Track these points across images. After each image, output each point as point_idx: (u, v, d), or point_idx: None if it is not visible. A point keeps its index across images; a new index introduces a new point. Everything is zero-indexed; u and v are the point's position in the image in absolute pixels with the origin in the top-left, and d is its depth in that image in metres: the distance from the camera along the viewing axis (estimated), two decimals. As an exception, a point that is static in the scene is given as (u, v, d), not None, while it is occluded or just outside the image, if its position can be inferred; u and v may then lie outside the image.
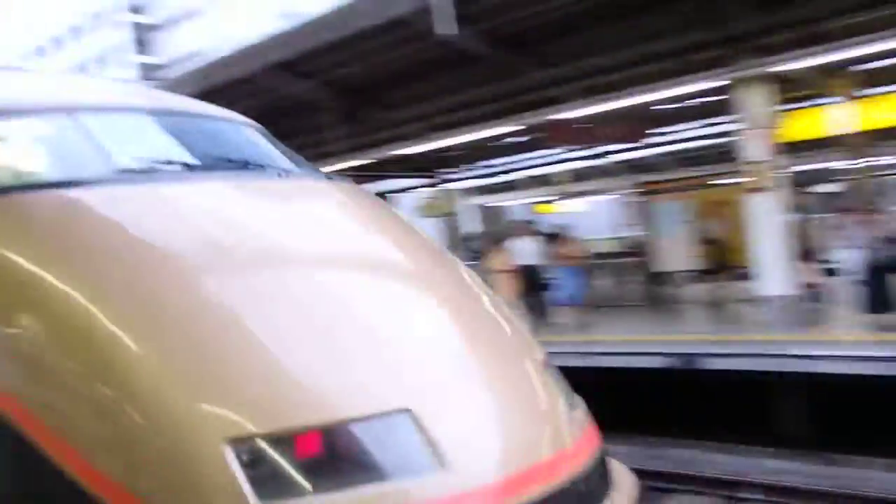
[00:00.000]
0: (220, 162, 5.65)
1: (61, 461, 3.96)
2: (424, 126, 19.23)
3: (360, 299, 4.67)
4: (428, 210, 27.50)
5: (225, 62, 19.10)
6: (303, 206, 5.50)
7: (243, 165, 5.72)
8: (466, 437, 4.17)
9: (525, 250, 17.98)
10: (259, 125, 6.90)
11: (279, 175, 5.77)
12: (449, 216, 27.68)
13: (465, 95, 17.96)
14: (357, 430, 3.96)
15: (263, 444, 3.83)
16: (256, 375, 4.01)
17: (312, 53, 17.07)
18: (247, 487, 3.73)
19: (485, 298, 5.51)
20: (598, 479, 4.81)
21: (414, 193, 28.47)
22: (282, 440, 3.83)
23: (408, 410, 4.07)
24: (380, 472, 3.91)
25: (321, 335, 4.33)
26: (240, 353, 4.08)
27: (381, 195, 23.52)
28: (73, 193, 4.71)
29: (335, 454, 3.91)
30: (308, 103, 19.42)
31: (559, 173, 27.27)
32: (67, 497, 3.91)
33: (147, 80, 63.69)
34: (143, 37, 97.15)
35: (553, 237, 18.69)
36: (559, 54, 16.31)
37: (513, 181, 29.66)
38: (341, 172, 21.09)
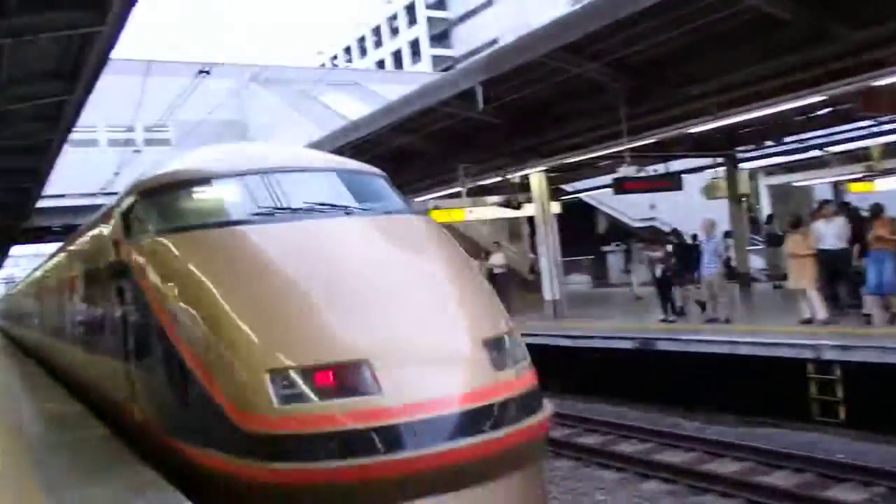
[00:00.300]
0: (333, 205, 9.14)
1: (198, 375, 7.61)
2: (718, 101, 18.35)
3: (369, 290, 7.83)
4: (713, 191, 26.11)
5: (513, 48, 18.98)
6: (366, 234, 8.80)
7: (347, 208, 9.14)
8: (399, 376, 7.18)
9: (828, 233, 16.86)
10: (384, 174, 10.59)
11: (364, 213, 9.16)
12: (740, 197, 26.25)
13: (765, 66, 16.93)
14: (341, 369, 7.18)
15: (291, 373, 7.16)
16: (295, 334, 7.44)
17: (599, 34, 16.64)
18: (276, 398, 7.07)
19: (469, 289, 8.50)
20: (517, 406, 7.70)
21: (703, 174, 27.29)
22: (299, 371, 7.16)
23: (367, 360, 7.20)
24: (351, 392, 7.11)
25: (336, 312, 7.57)
26: (286, 320, 7.53)
27: (671, 175, 22.67)
28: (227, 230, 8.62)
29: (329, 381, 7.14)
30: (594, 84, 19.00)
31: (875, 147, 25.31)
32: (200, 396, 7.48)
33: (442, 70, 64.76)
34: (440, 30, 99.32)
35: (865, 218, 17.43)
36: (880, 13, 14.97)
37: (816, 157, 27.92)
38: (633, 152, 20.53)
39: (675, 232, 25.45)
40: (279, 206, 8.95)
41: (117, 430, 10.17)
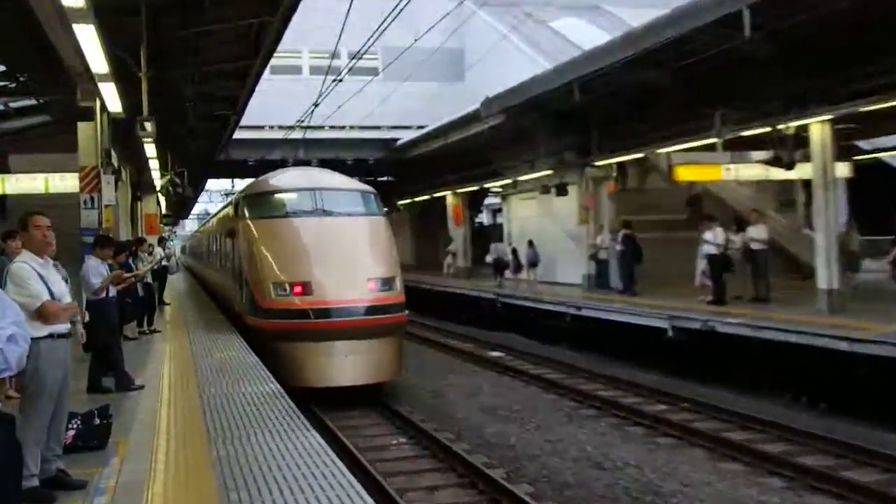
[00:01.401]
0: (338, 210, 18.84)
1: (250, 286, 18.24)
2: None
3: (333, 252, 17.64)
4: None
5: None
6: (348, 225, 18.47)
7: (346, 212, 18.85)
8: (323, 288, 16.99)
9: None
10: (374, 192, 19.96)
11: (349, 215, 18.74)
12: None
13: None
14: (303, 285, 17.11)
15: (283, 283, 17.29)
16: (289, 267, 17.50)
17: None
18: (273, 294, 17.29)
19: (379, 256, 17.89)
20: (382, 308, 17.04)
21: None
22: (283, 283, 17.27)
23: (310, 281, 17.14)
24: (306, 294, 17.01)
25: (308, 261, 17.50)
26: (286, 262, 17.64)
27: None
28: (283, 219, 18.76)
29: (296, 289, 17.13)
30: None
31: None
32: (253, 302, 17.86)
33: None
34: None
35: None
36: None
37: None
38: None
39: None
40: (309, 209, 18.79)
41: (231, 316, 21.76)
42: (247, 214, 19.36)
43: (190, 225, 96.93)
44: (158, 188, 31.89)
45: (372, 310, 16.93)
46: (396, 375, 17.84)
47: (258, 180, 22.11)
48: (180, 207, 59.14)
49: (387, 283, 17.35)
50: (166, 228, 58.76)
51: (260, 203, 19.55)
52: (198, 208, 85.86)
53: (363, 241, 18.18)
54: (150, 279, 19.86)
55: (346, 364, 16.79)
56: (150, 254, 21.87)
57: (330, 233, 18.12)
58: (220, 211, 31.78)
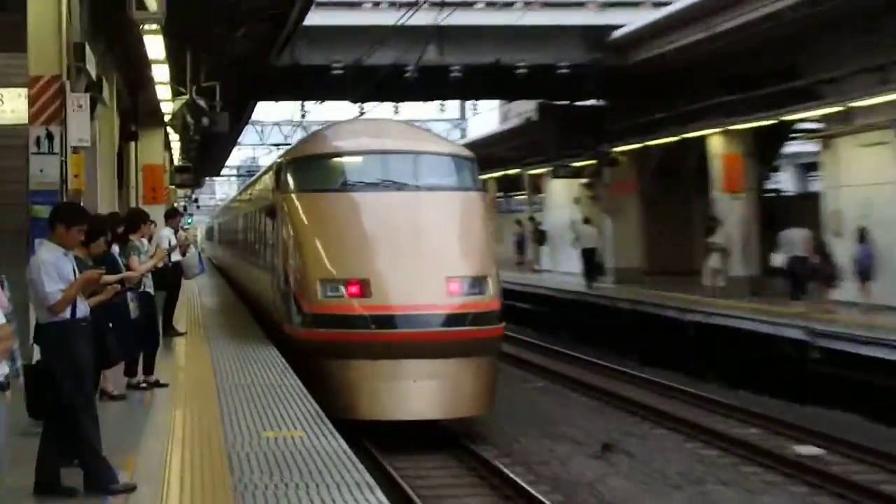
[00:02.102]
0: (416, 182, 14.88)
1: (293, 286, 14.36)
2: None
3: (400, 234, 13.98)
4: None
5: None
6: (418, 204, 14.48)
7: (427, 185, 14.88)
8: (387, 289, 13.32)
9: None
10: (469, 154, 16.02)
11: (430, 190, 14.82)
12: None
13: None
14: (361, 282, 13.48)
15: (334, 280, 13.62)
16: (344, 259, 13.86)
17: None
18: (320, 295, 13.60)
19: (464, 247, 14.16)
20: (463, 317, 13.33)
21: None
22: (335, 280, 13.60)
23: (369, 279, 13.43)
24: (366, 296, 13.35)
25: (370, 246, 13.90)
26: (340, 252, 13.97)
27: None
28: (338, 194, 14.87)
29: (351, 289, 13.51)
30: None
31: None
32: (288, 294, 14.46)
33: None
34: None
35: None
36: None
37: None
38: None
39: None
40: (375, 180, 14.98)
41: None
42: (290, 186, 15.39)
43: (225, 189, 75.79)
44: (169, 118, 21.90)
45: (454, 319, 13.38)
46: (485, 410, 14.12)
47: (307, 138, 19.01)
48: (207, 156, 42.00)
49: (476, 283, 13.73)
50: (181, 195, 43.09)
51: (308, 171, 15.57)
52: (238, 156, 61.10)
53: (447, 226, 14.46)
54: (149, 286, 11.48)
55: (416, 391, 13.27)
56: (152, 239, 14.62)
57: (402, 213, 14.34)
58: (256, 179, 24.39)
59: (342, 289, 13.50)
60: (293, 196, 15.11)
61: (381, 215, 14.32)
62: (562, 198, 35.07)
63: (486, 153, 30.55)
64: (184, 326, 17.17)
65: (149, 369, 11.65)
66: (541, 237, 36.19)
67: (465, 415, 13.89)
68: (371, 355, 13.14)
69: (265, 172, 20.62)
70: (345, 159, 15.62)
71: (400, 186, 14.75)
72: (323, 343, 13.49)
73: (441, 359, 13.22)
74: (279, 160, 17.10)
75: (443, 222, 14.42)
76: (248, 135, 49.45)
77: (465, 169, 15.43)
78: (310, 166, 15.67)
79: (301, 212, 14.74)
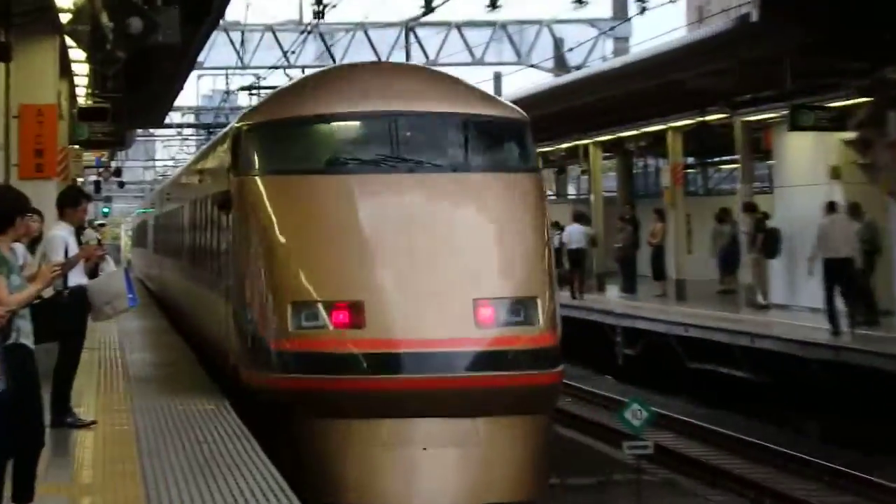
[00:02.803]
0: (433, 160, 11.06)
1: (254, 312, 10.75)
2: None
3: (405, 238, 10.25)
4: None
5: None
6: (432, 193, 10.71)
7: (450, 164, 11.11)
8: (383, 317, 9.81)
9: None
10: (523, 118, 11.71)
11: (455, 171, 11.00)
12: None
13: None
14: (350, 308, 9.91)
15: (312, 303, 10.00)
16: (326, 274, 10.24)
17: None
18: (292, 324, 9.98)
19: (498, 257, 10.46)
20: (508, 361, 9.84)
21: None
22: (312, 303, 10.02)
23: (363, 301, 9.85)
24: (359, 326, 9.83)
25: (364, 256, 10.17)
26: (321, 264, 10.33)
27: None
28: (320, 178, 10.99)
29: (338, 316, 9.92)
30: None
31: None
32: (256, 341, 10.53)
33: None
34: None
35: None
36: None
37: None
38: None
39: None
40: (374, 157, 10.97)
41: None
42: (250, 166, 11.37)
43: (172, 153, 48.55)
44: (69, 18, 13.91)
45: (487, 360, 9.81)
46: (531, 495, 10.02)
47: (279, 93, 13.26)
48: (140, 92, 23.77)
49: (520, 308, 10.12)
50: (91, 163, 28.86)
51: (277, 143, 11.47)
52: (200, 91, 46.58)
53: (480, 226, 10.66)
54: (25, 333, 6.80)
55: (430, 464, 9.68)
56: (35, 246, 10.47)
57: (413, 207, 10.56)
58: (206, 151, 17.93)
59: (324, 315, 9.98)
60: (256, 180, 11.21)
61: (383, 209, 10.57)
62: (808, 167, 21.48)
63: (662, 82, 21.60)
64: (92, 409, 10.91)
65: (23, 494, 6.81)
66: (770, 243, 21.05)
67: (502, 500, 9.78)
68: (366, 412, 9.66)
69: (217, 144, 14.87)
70: (333, 126, 11.51)
71: (412, 167, 10.87)
72: (296, 393, 9.85)
73: (467, 418, 9.70)
74: (236, 126, 12.34)
75: (473, 220, 10.72)
76: (216, 51, 31.53)
77: (512, 139, 11.62)
78: (279, 136, 11.55)
79: (267, 203, 10.94)
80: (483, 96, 12.44)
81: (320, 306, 10.00)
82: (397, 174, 10.78)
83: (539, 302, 10.22)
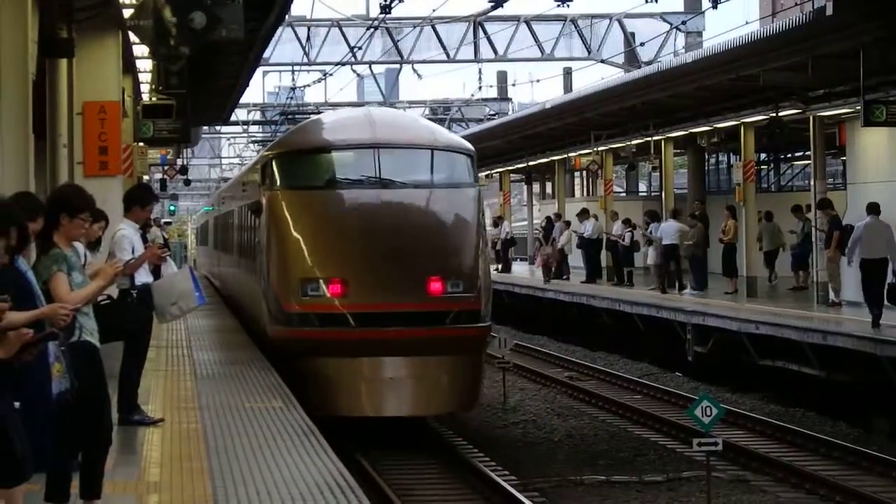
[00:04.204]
0: (404, 178, 15.17)
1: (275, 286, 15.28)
2: None
3: (383, 232, 14.50)
4: None
5: None
6: (404, 203, 14.97)
7: (415, 181, 15.27)
8: (363, 288, 14.20)
9: None
10: (467, 147, 16.37)
11: (417, 187, 15.23)
12: None
13: None
14: (340, 282, 14.30)
15: (315, 279, 14.36)
16: (325, 258, 14.69)
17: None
18: (300, 294, 14.48)
19: (446, 249, 14.81)
20: (444, 319, 14.30)
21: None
22: (316, 279, 14.36)
23: (349, 278, 14.27)
24: (342, 295, 14.31)
25: (352, 245, 14.54)
26: (321, 251, 14.78)
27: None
28: (323, 192, 15.44)
29: (332, 288, 14.33)
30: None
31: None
32: (277, 305, 14.88)
33: None
34: None
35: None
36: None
37: None
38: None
39: None
40: (362, 177, 15.31)
41: None
42: (276, 183, 15.90)
43: (239, 150, 48.31)
44: (132, 13, 12.37)
45: (434, 317, 14.54)
46: (467, 407, 15.58)
47: (296, 130, 18.83)
48: (205, 89, 24.43)
49: (460, 283, 14.75)
50: (155, 161, 29.16)
51: (296, 166, 16.14)
52: (266, 87, 44.07)
53: (432, 225, 15.38)
54: (89, 331, 6.93)
55: (395, 388, 14.55)
56: (95, 249, 9.51)
57: (386, 211, 15.18)
58: (245, 172, 22.93)
59: (323, 287, 14.39)
60: (279, 193, 15.70)
61: (366, 213, 15.07)
62: (882, 163, 20.91)
63: (734, 77, 21.55)
64: (160, 407, 10.97)
65: (90, 491, 6.81)
66: (846, 240, 19.36)
67: (448, 411, 15.26)
68: (351, 353, 14.21)
69: (254, 165, 20.33)
70: (334, 154, 15.90)
71: (387, 184, 15.29)
72: (305, 341, 14.37)
73: (420, 356, 14.31)
74: (265, 154, 17.65)
75: (429, 221, 15.26)
76: (282, 46, 32.20)
77: (459, 164, 16.04)
78: (295, 162, 16.20)
79: (286, 210, 15.34)
80: (441, 133, 17.36)
81: (321, 281, 14.47)
82: (376, 189, 15.31)
83: (474, 278, 14.79)
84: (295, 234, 15.03)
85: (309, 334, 14.39)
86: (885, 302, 17.46)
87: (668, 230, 25.76)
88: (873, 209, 18.07)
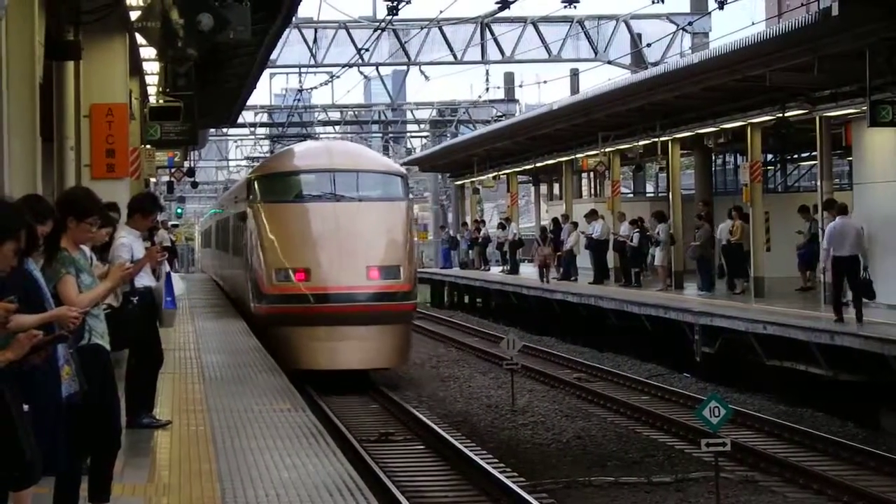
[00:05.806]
0: (352, 194, 21.07)
1: (256, 275, 21.07)
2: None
3: (336, 234, 20.08)
4: None
5: None
6: (355, 211, 20.67)
7: (360, 197, 21.20)
8: (320, 275, 19.64)
9: None
10: (401, 171, 23.57)
11: (362, 201, 21.01)
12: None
13: None
14: (304, 271, 19.79)
15: (285, 269, 19.97)
16: (293, 254, 20.23)
17: None
18: (274, 280, 20.07)
19: (385, 245, 20.38)
20: (378, 296, 19.92)
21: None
22: (285, 269, 19.97)
23: (310, 267, 19.72)
24: (305, 280, 19.73)
25: (313, 244, 20.20)
26: (290, 248, 20.32)
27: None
28: (293, 204, 21.29)
29: (298, 275, 19.85)
30: None
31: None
32: (257, 289, 20.65)
33: None
34: None
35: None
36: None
37: None
38: None
39: None
40: (321, 193, 20.88)
41: None
42: (258, 197, 21.40)
43: (246, 152, 47.66)
44: (139, 14, 13.02)
45: (372, 297, 19.56)
46: (398, 364, 20.83)
47: (273, 157, 25.92)
48: (212, 91, 25.11)
49: (391, 271, 19.81)
50: (162, 163, 29.23)
51: (272, 185, 21.69)
52: (272, 89, 45.01)
53: (371, 229, 20.25)
54: (99, 333, 7.03)
55: (345, 348, 19.42)
56: (103, 253, 9.06)
57: (338, 219, 20.22)
58: (236, 188, 30.40)
59: (291, 275, 19.66)
60: (260, 206, 21.21)
61: (323, 220, 20.33)
62: (888, 164, 20.86)
63: (741, 77, 21.57)
64: (168, 409, 11.01)
65: (99, 494, 6.86)
66: None
67: (382, 366, 20.40)
68: (312, 323, 19.37)
69: (242, 184, 26.54)
70: (301, 177, 21.83)
71: (339, 198, 20.80)
72: (277, 315, 19.79)
73: (363, 325, 19.34)
74: (249, 176, 24.67)
75: (371, 226, 20.36)
76: (289, 48, 32.77)
77: (394, 183, 21.82)
78: (272, 181, 21.95)
79: (265, 218, 20.83)
80: (381, 160, 24.43)
81: (290, 270, 19.72)
82: (332, 202, 20.71)
83: (402, 268, 19.96)
84: (271, 235, 20.34)
85: (281, 310, 19.62)
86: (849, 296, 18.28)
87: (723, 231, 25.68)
88: (842, 210, 18.79)
